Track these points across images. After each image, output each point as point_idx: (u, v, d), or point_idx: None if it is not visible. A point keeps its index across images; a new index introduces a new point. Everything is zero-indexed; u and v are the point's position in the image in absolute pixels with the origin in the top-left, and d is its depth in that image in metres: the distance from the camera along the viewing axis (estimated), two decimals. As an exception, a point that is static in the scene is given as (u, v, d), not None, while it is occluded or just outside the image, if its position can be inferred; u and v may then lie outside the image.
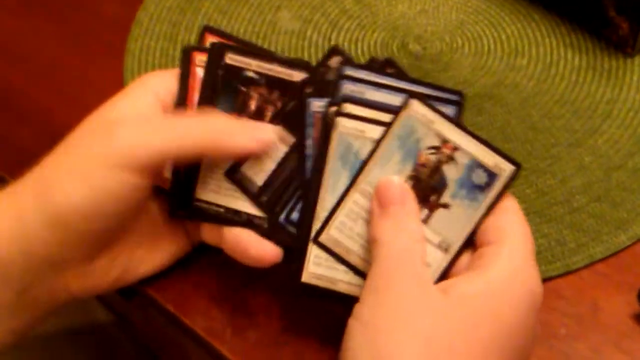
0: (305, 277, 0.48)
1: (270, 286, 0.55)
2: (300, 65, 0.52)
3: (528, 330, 0.45)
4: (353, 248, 0.48)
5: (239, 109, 0.51)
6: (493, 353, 0.43)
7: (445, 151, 0.47)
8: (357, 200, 0.48)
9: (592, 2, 0.64)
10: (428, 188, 0.47)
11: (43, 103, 0.66)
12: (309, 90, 0.50)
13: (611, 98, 0.62)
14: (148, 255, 0.53)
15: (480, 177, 0.47)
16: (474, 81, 0.64)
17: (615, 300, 0.53)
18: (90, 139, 0.50)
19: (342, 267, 0.48)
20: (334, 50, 0.52)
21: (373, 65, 0.52)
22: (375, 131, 0.48)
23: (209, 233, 0.52)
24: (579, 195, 0.57)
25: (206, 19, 0.69)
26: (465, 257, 0.47)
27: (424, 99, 0.47)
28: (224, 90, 0.52)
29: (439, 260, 0.47)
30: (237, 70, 0.51)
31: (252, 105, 0.51)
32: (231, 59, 0.51)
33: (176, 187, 0.52)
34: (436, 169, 0.47)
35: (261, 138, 0.50)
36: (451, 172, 0.47)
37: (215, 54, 0.51)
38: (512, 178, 0.47)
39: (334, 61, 0.52)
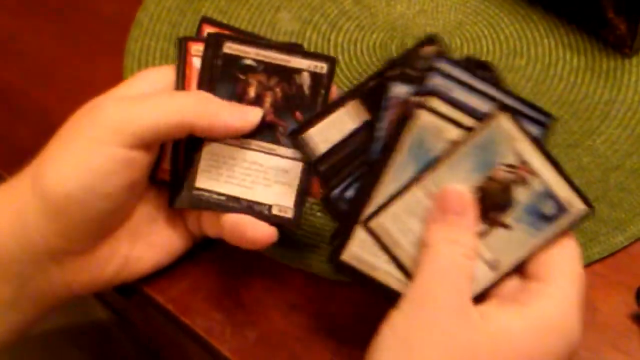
0: (346, 256, 0.47)
1: (270, 286, 0.55)
2: (297, 50, 0.52)
3: None
4: (401, 241, 0.47)
5: (238, 96, 0.52)
6: None
7: (521, 173, 0.46)
8: (417, 196, 0.46)
9: (590, 3, 0.64)
10: (493, 204, 0.46)
11: (42, 102, 0.66)
12: (392, 73, 0.48)
13: (609, 99, 0.62)
14: (148, 250, 0.53)
15: (548, 208, 0.46)
16: (472, 82, 0.64)
17: (613, 300, 0.53)
18: (78, 123, 0.50)
19: (385, 257, 0.47)
20: (430, 40, 0.50)
21: (468, 64, 0.49)
22: (454, 133, 0.46)
23: (209, 224, 0.52)
24: (577, 195, 0.57)
25: (206, 19, 0.69)
26: (511, 282, 0.46)
27: (514, 114, 0.46)
28: (222, 78, 0.52)
29: (484, 277, 0.46)
30: (236, 59, 0.52)
31: (252, 92, 0.52)
32: (229, 47, 0.52)
33: (175, 177, 0.52)
34: (507, 187, 0.46)
35: (249, 119, 0.50)
36: (521, 195, 0.46)
37: (213, 43, 0.52)
38: (582, 218, 0.46)
39: (427, 50, 0.50)
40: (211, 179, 0.51)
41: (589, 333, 0.52)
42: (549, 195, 0.46)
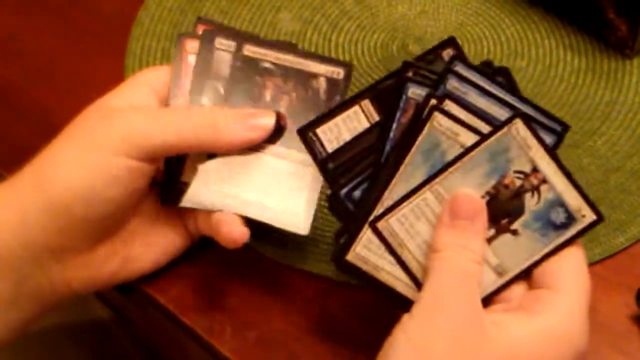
0: (351, 257, 0.47)
1: (270, 286, 0.55)
2: (315, 55, 0.52)
3: None
4: (408, 244, 0.47)
5: (254, 99, 0.52)
6: None
7: (533, 180, 0.46)
8: (427, 200, 0.46)
9: (591, 4, 0.64)
10: (503, 210, 0.46)
11: (42, 101, 0.66)
12: (409, 74, 0.48)
13: (610, 100, 0.62)
14: (147, 249, 0.54)
15: (558, 216, 0.46)
16: (473, 82, 0.64)
17: (613, 301, 0.53)
18: (90, 126, 0.50)
19: (390, 258, 0.47)
20: (450, 42, 0.50)
21: (485, 69, 0.49)
22: (468, 137, 0.46)
23: (203, 223, 0.53)
24: (578, 196, 0.57)
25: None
26: (516, 288, 0.46)
27: (529, 122, 0.46)
28: (240, 80, 0.52)
29: (490, 282, 0.46)
30: (254, 62, 0.52)
31: (267, 95, 0.52)
32: (249, 50, 0.52)
33: (168, 176, 0.53)
34: (518, 194, 0.46)
35: (259, 125, 0.50)
36: (531, 202, 0.46)
37: (206, 39, 0.52)
38: (591, 227, 0.46)
39: (446, 53, 0.50)
40: (223, 181, 0.51)
41: (589, 334, 0.52)
42: (560, 203, 0.46)
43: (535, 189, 0.46)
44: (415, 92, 0.48)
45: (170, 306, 0.54)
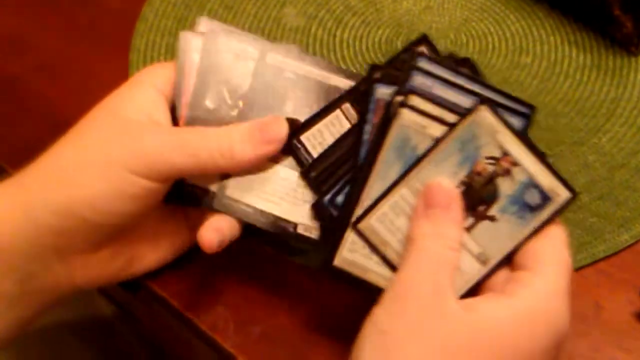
0: (338, 261, 0.48)
1: (274, 283, 0.55)
2: (340, 70, 0.51)
3: None
4: (390, 241, 0.47)
5: (275, 109, 0.51)
6: None
7: (504, 164, 0.46)
8: (404, 195, 0.47)
9: (596, 0, 0.64)
10: (478, 197, 0.46)
11: (46, 95, 0.66)
12: (377, 75, 0.49)
13: (615, 97, 0.62)
14: (153, 248, 0.54)
15: (533, 197, 0.46)
16: (478, 79, 0.64)
17: (617, 298, 0.53)
18: (105, 138, 0.50)
19: (376, 258, 0.47)
20: (423, 39, 0.51)
21: (448, 61, 0.50)
22: (437, 129, 0.47)
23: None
24: (582, 193, 0.57)
25: (211, 14, 0.69)
26: (502, 274, 0.46)
27: (494, 106, 0.46)
28: (261, 90, 0.51)
29: (474, 271, 0.46)
30: (276, 71, 0.51)
31: (289, 106, 0.51)
32: (273, 58, 0.51)
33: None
34: (491, 180, 0.46)
35: (272, 137, 0.50)
36: (505, 186, 0.46)
37: (212, 39, 0.52)
38: (566, 205, 0.46)
39: (420, 50, 0.51)
40: (242, 190, 0.51)
41: (593, 331, 0.52)
42: (533, 185, 0.46)
43: (508, 172, 0.46)
44: (384, 92, 0.49)
45: (174, 302, 0.54)
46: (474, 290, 0.46)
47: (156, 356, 0.75)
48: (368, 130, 0.49)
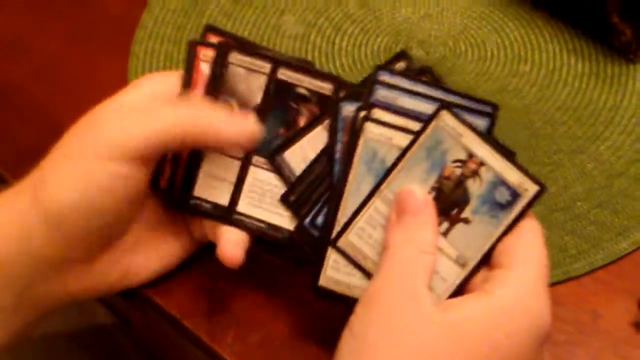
0: (322, 281, 0.48)
1: (273, 291, 0.55)
2: (344, 82, 0.51)
3: None
4: (370, 255, 0.48)
5: (288, 124, 0.51)
6: None
7: (471, 166, 0.46)
8: (378, 207, 0.47)
9: (595, 8, 0.64)
10: (450, 201, 0.46)
11: (45, 101, 0.66)
12: (341, 94, 0.50)
13: (614, 105, 0.62)
14: (150, 257, 0.53)
15: (503, 195, 0.46)
16: (476, 87, 0.64)
17: (615, 307, 0.53)
18: (78, 135, 0.50)
19: (359, 273, 0.48)
20: (401, 55, 0.52)
21: (409, 72, 0.51)
22: (403, 139, 0.47)
23: (210, 230, 0.52)
24: (581, 202, 0.57)
25: (210, 22, 0.69)
26: (480, 274, 0.46)
27: (454, 110, 0.47)
28: (275, 106, 0.51)
29: (455, 275, 0.46)
30: (289, 87, 0.51)
31: (301, 122, 0.51)
32: (283, 74, 0.51)
33: (173, 178, 0.52)
34: (460, 183, 0.46)
35: (247, 130, 0.49)
36: (475, 188, 0.46)
37: (220, 53, 0.51)
38: (535, 199, 0.46)
39: (399, 66, 0.51)
40: (254, 206, 0.51)
41: (591, 339, 0.52)
42: (501, 182, 0.46)
43: (475, 173, 0.46)
44: (350, 109, 0.49)
45: (172, 310, 0.54)
46: (457, 294, 0.46)
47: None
48: (339, 148, 0.49)
